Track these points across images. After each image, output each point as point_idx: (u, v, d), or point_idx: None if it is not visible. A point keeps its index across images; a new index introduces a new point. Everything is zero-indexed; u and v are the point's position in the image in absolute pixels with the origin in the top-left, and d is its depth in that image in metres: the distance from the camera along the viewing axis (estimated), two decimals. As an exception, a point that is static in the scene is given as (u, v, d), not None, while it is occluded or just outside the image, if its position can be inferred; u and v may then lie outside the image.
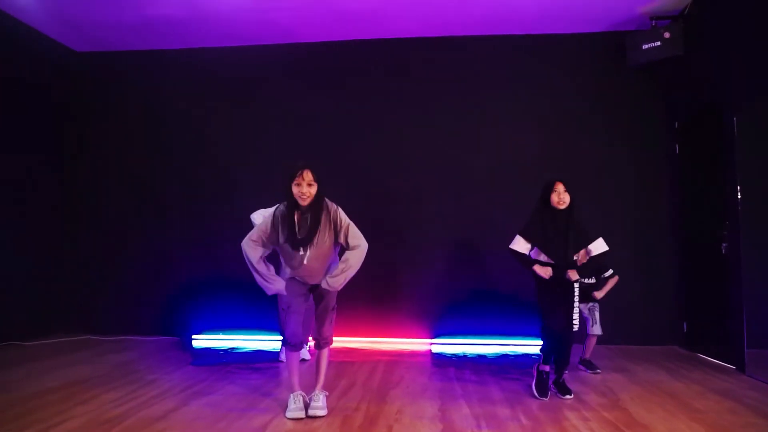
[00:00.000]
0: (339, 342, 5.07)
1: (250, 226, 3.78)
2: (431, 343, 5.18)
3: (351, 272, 2.92)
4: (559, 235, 3.28)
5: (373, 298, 5.29)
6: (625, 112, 5.31)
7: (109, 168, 5.83)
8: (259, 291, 3.00)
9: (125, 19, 5.16)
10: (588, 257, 3.37)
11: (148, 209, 5.73)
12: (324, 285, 2.91)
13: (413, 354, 4.86)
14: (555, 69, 5.39)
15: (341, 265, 2.91)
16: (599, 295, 4.06)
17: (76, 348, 4.93)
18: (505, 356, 4.73)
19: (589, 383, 3.71)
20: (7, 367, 4.14)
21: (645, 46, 4.89)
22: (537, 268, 3.34)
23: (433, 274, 5.34)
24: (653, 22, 4.94)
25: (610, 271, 4.08)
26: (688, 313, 4.99)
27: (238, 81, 5.72)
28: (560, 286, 3.30)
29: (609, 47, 5.26)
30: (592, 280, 4.03)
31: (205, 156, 5.70)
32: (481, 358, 4.68)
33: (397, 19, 5.15)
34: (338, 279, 2.89)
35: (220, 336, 5.34)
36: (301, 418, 2.88)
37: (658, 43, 4.83)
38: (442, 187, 5.39)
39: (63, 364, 4.23)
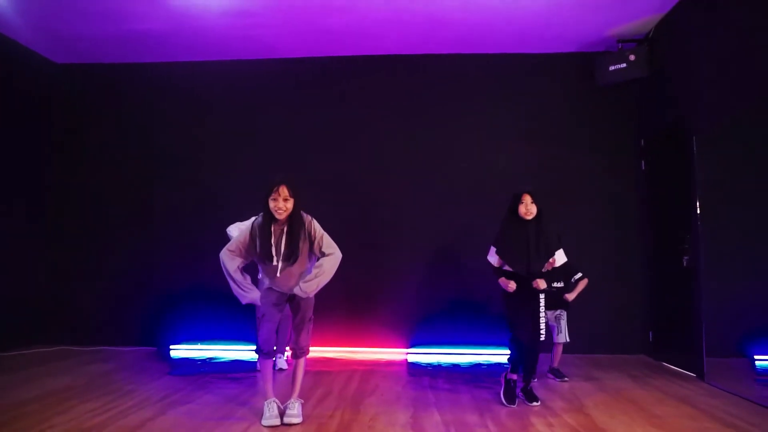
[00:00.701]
0: (316, 352, 5.14)
1: (228, 239, 3.90)
2: (407, 353, 5.29)
3: (324, 279, 3.02)
4: (525, 246, 3.41)
5: (350, 308, 5.39)
6: (597, 129, 5.53)
7: (86, 180, 5.85)
8: (237, 302, 3.09)
9: (108, 33, 5.22)
10: (552, 267, 3.54)
11: (126, 221, 5.76)
12: (297, 291, 3.01)
13: (389, 363, 4.96)
14: (530, 87, 5.59)
15: (315, 271, 3.02)
16: (570, 297, 4.23)
17: (54, 359, 4.93)
18: (478, 365, 4.86)
19: (557, 391, 3.87)
20: (-16, 378, 4.14)
21: (612, 68, 5.12)
22: (501, 280, 3.49)
23: (410, 286, 5.46)
24: (620, 44, 5.18)
25: (579, 274, 4.26)
26: (654, 323, 5.18)
27: (221, 95, 5.80)
28: (526, 296, 3.45)
29: (580, 67, 5.49)
30: (560, 284, 4.19)
31: (186, 169, 5.76)
32: (455, 367, 4.80)
33: (378, 37, 5.31)
34: (311, 284, 2.99)
35: (199, 346, 5.38)
36: (277, 426, 2.97)
37: (624, 65, 5.07)
38: (419, 200, 5.53)
39: (41, 375, 4.24)
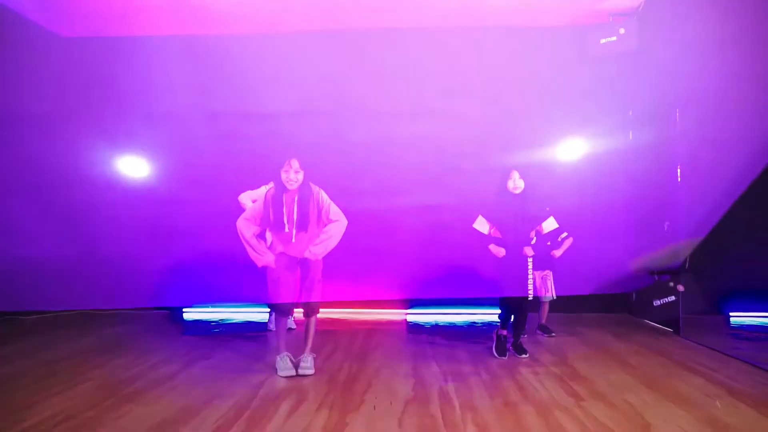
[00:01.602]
0: (323, 313, 5.44)
1: (238, 204, 4.19)
2: (407, 313, 5.64)
3: (331, 243, 3.34)
4: (513, 217, 3.75)
5: (354, 273, 5.70)
6: (587, 99, 5.71)
7: (90, 145, 5.99)
8: (247, 265, 3.39)
9: (108, 5, 5.30)
10: (542, 233, 3.86)
11: (135, 188, 5.97)
12: (307, 254, 3.33)
13: (390, 323, 5.31)
14: (522, 59, 5.74)
15: (322, 236, 3.35)
16: (558, 253, 4.55)
17: (72, 321, 5.25)
18: (472, 324, 5.23)
19: (544, 345, 4.23)
20: (13, 339, 4.45)
21: (602, 40, 5.30)
22: (492, 247, 3.81)
23: (411, 249, 5.74)
24: (611, 17, 5.34)
25: (565, 233, 4.58)
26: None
27: (222, 67, 5.92)
28: (514, 261, 3.77)
29: (572, 39, 5.64)
30: (548, 243, 4.51)
31: (193, 135, 5.91)
32: (452, 326, 5.16)
33: (377, 10, 5.42)
34: (318, 248, 3.32)
35: (210, 309, 5.70)
36: (293, 376, 3.31)
37: (615, 37, 5.24)
38: (420, 171, 5.75)
39: (65, 336, 4.54)
